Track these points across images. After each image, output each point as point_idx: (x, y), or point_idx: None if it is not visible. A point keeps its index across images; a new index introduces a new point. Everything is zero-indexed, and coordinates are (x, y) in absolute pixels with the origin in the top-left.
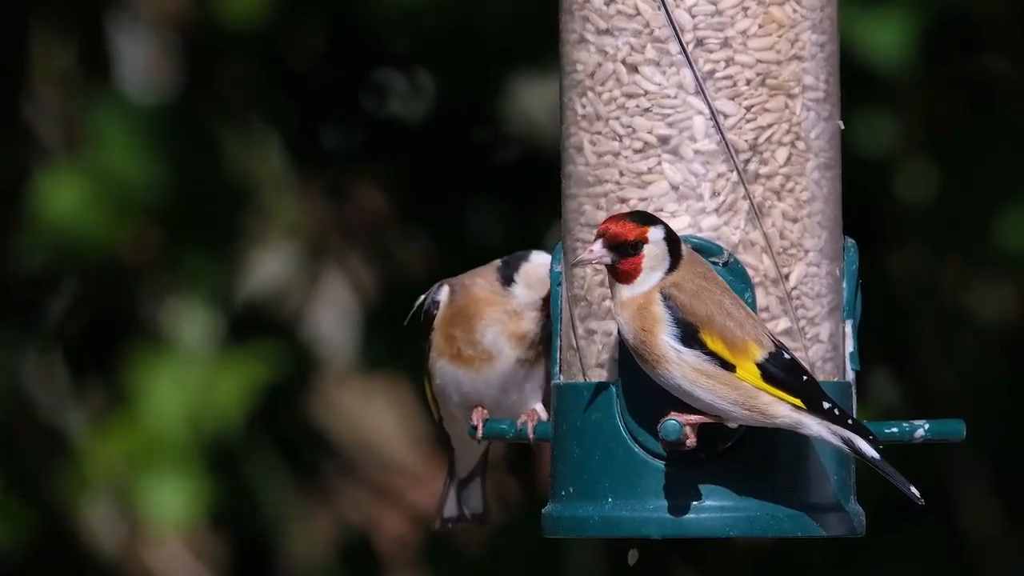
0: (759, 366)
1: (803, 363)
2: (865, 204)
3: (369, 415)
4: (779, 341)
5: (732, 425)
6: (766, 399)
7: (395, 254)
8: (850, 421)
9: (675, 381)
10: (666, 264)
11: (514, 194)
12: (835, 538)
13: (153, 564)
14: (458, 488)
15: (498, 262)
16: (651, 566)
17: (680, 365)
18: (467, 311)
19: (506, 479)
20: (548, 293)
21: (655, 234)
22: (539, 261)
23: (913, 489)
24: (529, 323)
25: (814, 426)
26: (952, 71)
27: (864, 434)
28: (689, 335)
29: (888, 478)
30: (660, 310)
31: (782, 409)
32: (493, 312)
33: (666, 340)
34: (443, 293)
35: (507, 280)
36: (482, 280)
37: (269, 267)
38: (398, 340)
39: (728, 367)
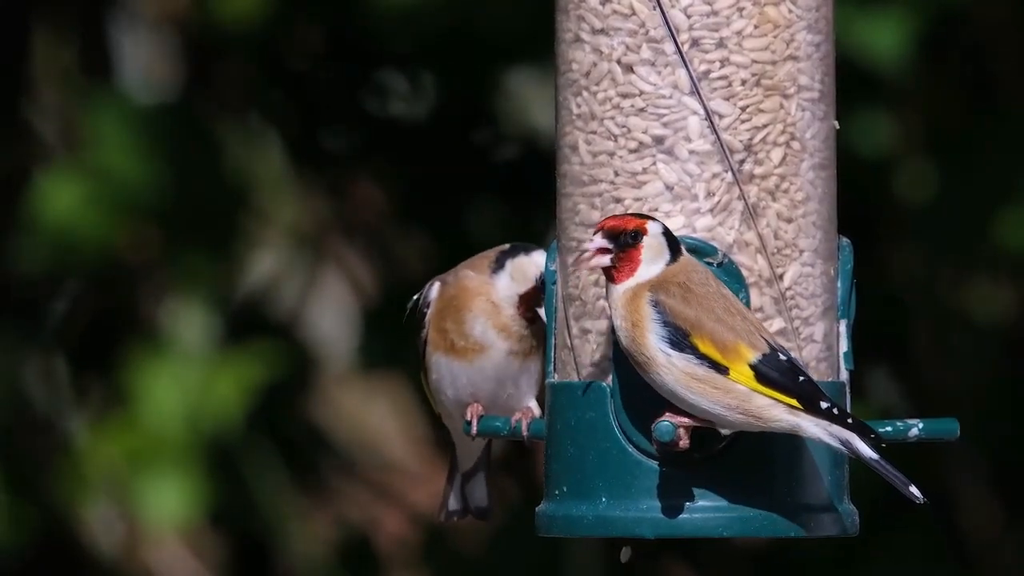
0: (752, 367)
1: (800, 365)
2: (864, 204)
3: (369, 415)
4: (777, 343)
5: (725, 432)
6: (761, 402)
7: (394, 253)
8: (850, 420)
9: (667, 386)
10: (664, 259)
11: (514, 194)
12: (829, 538)
13: (153, 564)
14: (461, 482)
15: (500, 249)
16: (649, 567)
17: (670, 369)
18: (456, 302)
19: (505, 478)
20: (530, 290)
21: (654, 228)
22: (535, 259)
23: (913, 489)
24: (507, 316)
25: (812, 428)
26: (952, 71)
27: (864, 432)
28: (678, 339)
29: (887, 478)
30: (648, 309)
31: (779, 412)
32: (480, 302)
33: (655, 343)
34: (434, 290)
35: (497, 268)
36: (472, 270)
37: (268, 266)
38: (398, 340)
39: (721, 370)
